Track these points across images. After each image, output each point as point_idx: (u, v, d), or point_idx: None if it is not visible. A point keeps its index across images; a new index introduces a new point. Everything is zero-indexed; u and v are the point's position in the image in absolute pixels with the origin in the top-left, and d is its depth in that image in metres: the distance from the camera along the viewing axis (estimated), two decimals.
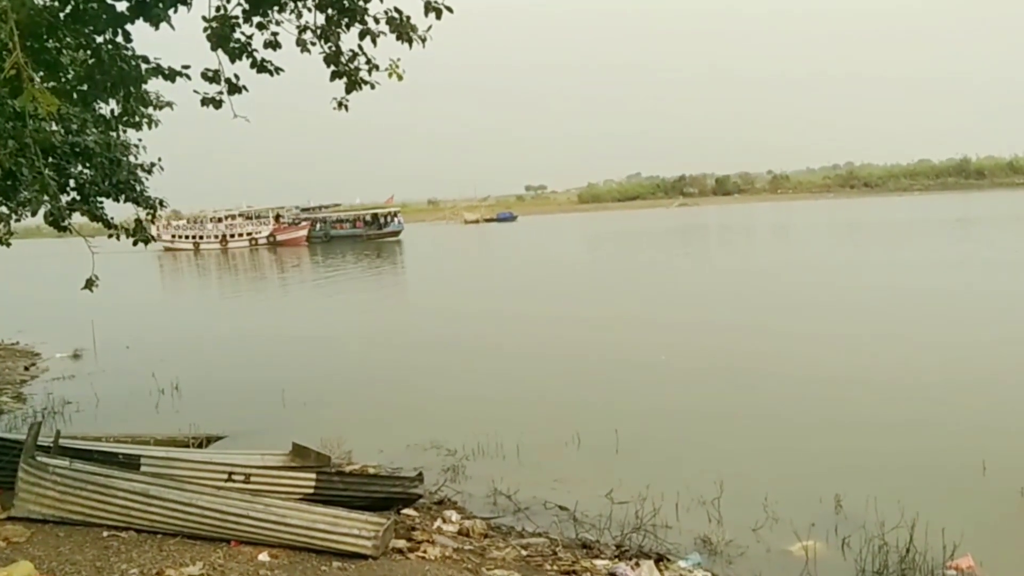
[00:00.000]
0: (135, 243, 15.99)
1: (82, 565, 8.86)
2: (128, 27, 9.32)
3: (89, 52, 9.69)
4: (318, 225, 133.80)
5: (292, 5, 10.27)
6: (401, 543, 10.79)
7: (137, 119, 14.96)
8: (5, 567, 8.31)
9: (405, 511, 12.46)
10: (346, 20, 10.27)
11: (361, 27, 10.22)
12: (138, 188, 17.37)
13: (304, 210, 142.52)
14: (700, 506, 13.13)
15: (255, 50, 10.29)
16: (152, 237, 16.80)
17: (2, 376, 26.45)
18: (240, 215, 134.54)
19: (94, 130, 15.87)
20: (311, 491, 11.81)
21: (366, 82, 10.76)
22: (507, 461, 15.91)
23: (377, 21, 10.17)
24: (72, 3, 8.93)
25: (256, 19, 10.10)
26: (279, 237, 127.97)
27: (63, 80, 10.39)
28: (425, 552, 10.59)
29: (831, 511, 12.75)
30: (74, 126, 15.65)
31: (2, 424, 19.27)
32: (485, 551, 11.35)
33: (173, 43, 10.59)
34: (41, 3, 9.05)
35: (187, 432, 17.20)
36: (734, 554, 11.76)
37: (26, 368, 28.21)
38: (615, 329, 31.04)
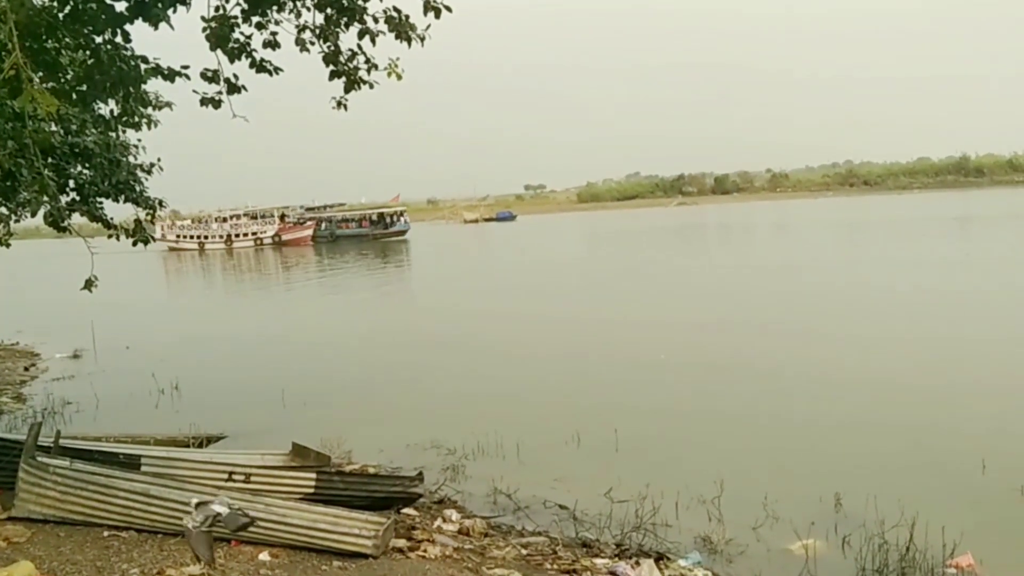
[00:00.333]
0: (135, 243, 15.98)
1: (83, 565, 8.86)
2: (127, 27, 9.33)
3: (88, 52, 9.71)
4: (323, 225, 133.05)
5: (291, 5, 10.27)
6: (401, 542, 10.80)
7: (136, 119, 14.98)
8: (6, 567, 8.32)
9: (405, 510, 12.46)
10: (345, 19, 10.26)
11: (360, 26, 10.23)
12: (138, 188, 17.35)
13: (309, 209, 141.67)
14: (700, 505, 13.12)
15: (254, 50, 10.29)
16: (151, 237, 16.78)
17: (2, 376, 26.44)
18: (245, 215, 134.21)
19: (93, 130, 15.87)
20: (311, 491, 11.81)
21: (365, 81, 10.76)
22: (507, 460, 15.91)
23: (376, 20, 10.17)
24: (71, 3, 8.94)
25: (255, 19, 10.11)
26: (284, 237, 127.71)
27: (62, 80, 10.40)
28: (425, 551, 10.60)
29: (831, 510, 12.75)
30: (73, 126, 15.64)
31: (2, 424, 19.27)
32: (485, 550, 11.36)
33: (172, 43, 10.61)
34: (40, 3, 9.06)
35: (187, 432, 17.19)
36: (734, 553, 11.76)
37: (26, 368, 28.20)
38: (614, 328, 31.06)
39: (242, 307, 50.69)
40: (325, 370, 26.26)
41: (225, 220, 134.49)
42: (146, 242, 16.17)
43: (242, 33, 10.09)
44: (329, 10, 10.22)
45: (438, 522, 12.26)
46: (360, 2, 10.16)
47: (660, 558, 11.32)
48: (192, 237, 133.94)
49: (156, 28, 9.18)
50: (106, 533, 9.82)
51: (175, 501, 9.95)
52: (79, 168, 16.79)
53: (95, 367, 27.75)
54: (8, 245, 19.51)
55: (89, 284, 13.57)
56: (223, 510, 8.92)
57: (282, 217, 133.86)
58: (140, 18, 9.01)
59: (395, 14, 10.12)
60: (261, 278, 74.60)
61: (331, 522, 10.11)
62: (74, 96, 10.68)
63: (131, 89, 10.69)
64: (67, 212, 16.66)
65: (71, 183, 16.90)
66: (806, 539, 11.70)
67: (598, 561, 11.15)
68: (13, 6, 6.89)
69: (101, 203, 17.30)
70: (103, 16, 8.97)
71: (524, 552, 11.45)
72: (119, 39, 9.56)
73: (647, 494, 12.96)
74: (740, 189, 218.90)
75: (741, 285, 42.32)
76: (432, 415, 19.37)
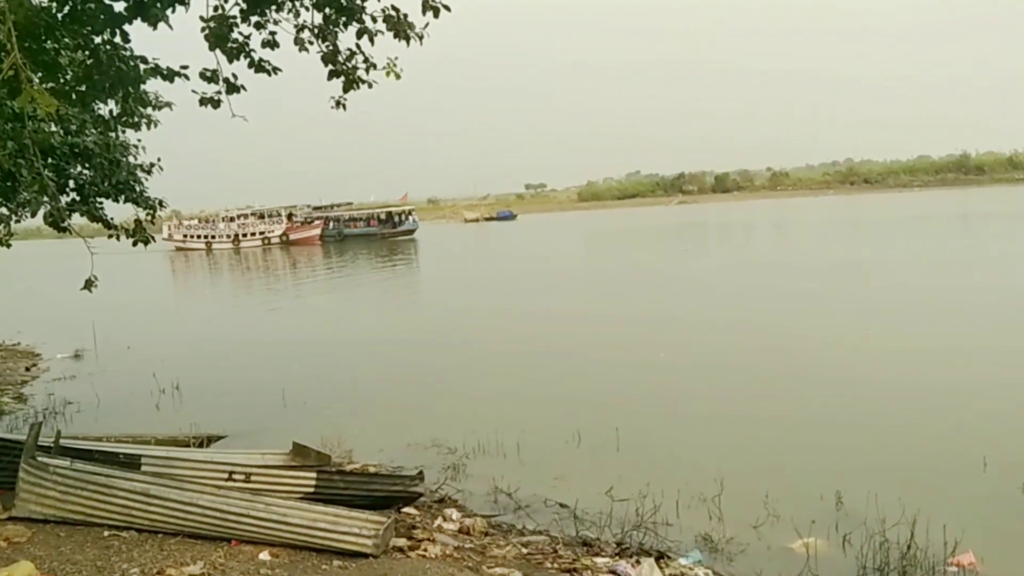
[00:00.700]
0: (135, 243, 15.98)
1: (83, 565, 8.86)
2: (126, 27, 9.33)
3: (87, 52, 9.70)
4: (331, 224, 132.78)
5: (290, 4, 10.28)
6: (402, 541, 10.79)
7: (136, 119, 15.00)
8: (6, 567, 8.32)
9: (406, 510, 12.47)
10: (344, 19, 10.27)
11: (359, 26, 10.23)
12: (138, 188, 17.37)
13: (316, 209, 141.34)
14: (701, 503, 13.11)
15: (253, 50, 10.30)
16: (151, 238, 16.78)
17: (3, 377, 26.45)
18: (252, 214, 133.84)
19: (93, 131, 15.88)
20: (311, 490, 11.80)
21: (364, 81, 10.77)
22: (508, 459, 15.90)
23: (375, 20, 10.17)
24: (70, 3, 8.95)
25: (254, 18, 10.12)
26: (292, 236, 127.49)
27: (62, 81, 10.41)
28: (426, 550, 10.60)
29: (832, 508, 12.73)
30: (73, 127, 15.66)
31: (3, 424, 19.28)
32: (486, 549, 11.36)
33: (171, 43, 10.62)
34: (39, 3, 9.06)
35: (188, 432, 17.18)
36: (735, 551, 11.75)
37: (27, 369, 28.21)
38: (615, 326, 31.05)
39: (246, 307, 50.62)
40: (326, 369, 26.26)
41: (232, 220, 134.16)
42: (146, 242, 16.15)
43: (241, 33, 10.10)
44: (328, 9, 10.22)
45: (439, 521, 12.25)
46: (359, 1, 10.17)
47: (661, 557, 11.31)
48: (199, 237, 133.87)
49: (155, 28, 9.19)
50: (106, 533, 9.82)
51: (175, 501, 9.96)
52: (79, 168, 16.82)
53: (96, 367, 27.75)
54: (9, 245, 19.52)
55: (89, 284, 13.57)
56: None
57: (289, 216, 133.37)
58: (139, 18, 9.03)
59: (393, 13, 10.13)
60: (267, 278, 74.38)
61: (331, 521, 10.11)
62: (73, 96, 10.68)
63: (130, 89, 10.71)
64: (67, 212, 16.67)
65: (71, 183, 16.93)
66: (807, 537, 11.69)
67: (599, 560, 11.15)
68: (12, 6, 6.90)
69: (101, 203, 17.32)
70: (102, 16, 8.98)
71: (525, 551, 11.45)
72: (118, 39, 9.56)
73: (648, 493, 12.98)
74: (740, 188, 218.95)
75: (740, 283, 42.28)
76: (433, 414, 19.38)
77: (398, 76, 10.56)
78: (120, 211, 17.68)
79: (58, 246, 31.70)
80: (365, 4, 10.19)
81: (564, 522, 12.86)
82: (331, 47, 10.55)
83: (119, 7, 8.93)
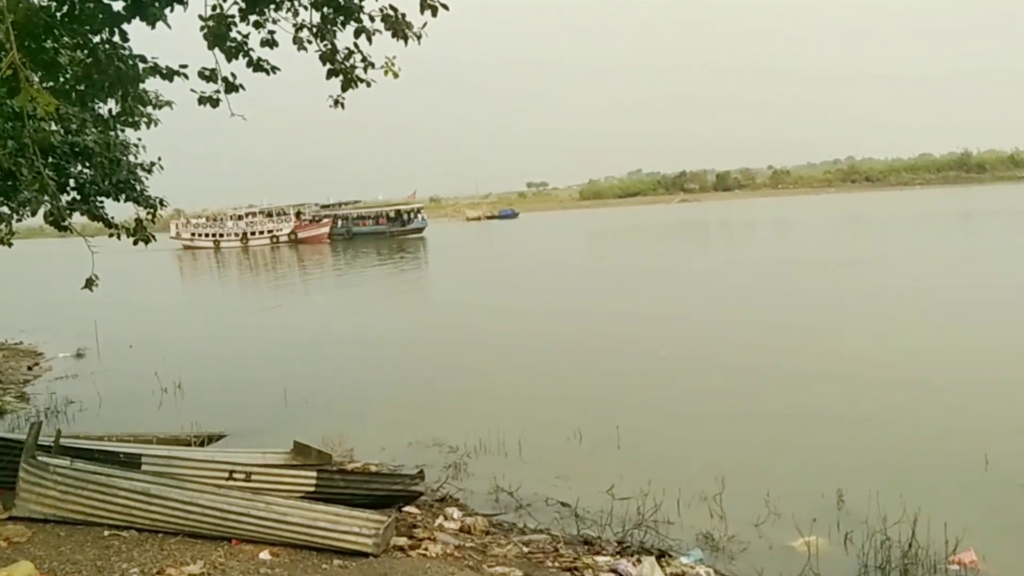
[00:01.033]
0: (135, 242, 15.98)
1: (83, 565, 8.87)
2: (125, 26, 9.33)
3: (86, 52, 9.70)
4: (340, 222, 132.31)
5: (288, 3, 10.29)
6: (402, 541, 10.79)
7: (136, 118, 15.01)
8: (6, 567, 8.32)
9: (406, 509, 12.47)
10: (342, 18, 10.28)
11: (357, 25, 10.23)
12: (138, 187, 17.39)
13: (324, 207, 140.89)
14: (702, 502, 13.10)
15: (251, 49, 10.30)
16: (152, 237, 16.79)
17: (5, 376, 26.47)
18: (260, 212, 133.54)
19: (93, 130, 15.89)
20: (312, 489, 11.80)
21: (362, 80, 10.78)
22: (509, 458, 15.90)
23: (372, 19, 10.18)
24: (69, 2, 8.94)
25: (252, 18, 10.12)
26: (301, 234, 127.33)
27: (61, 80, 10.41)
28: (426, 550, 10.60)
29: (833, 506, 12.72)
30: (73, 126, 15.68)
31: (5, 424, 19.29)
32: (487, 548, 11.36)
33: (170, 42, 10.61)
34: (38, 2, 9.06)
35: (189, 431, 17.19)
36: (736, 550, 11.74)
37: (29, 368, 28.22)
38: (615, 324, 31.07)
39: (251, 305, 50.61)
40: (329, 368, 26.29)
41: (240, 218, 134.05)
42: (147, 241, 16.17)
43: (239, 32, 10.10)
44: (326, 9, 10.23)
45: (439, 520, 12.26)
46: (357, 1, 10.16)
47: (662, 555, 11.31)
48: (207, 235, 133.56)
49: (153, 27, 9.19)
50: (106, 532, 9.82)
51: (176, 500, 9.97)
52: (79, 167, 16.85)
53: (98, 366, 27.76)
54: (10, 244, 19.53)
55: (90, 283, 13.57)
56: None
57: (298, 215, 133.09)
58: (137, 17, 9.03)
59: (392, 12, 10.13)
60: (275, 276, 74.29)
61: (332, 520, 10.11)
62: (73, 95, 10.70)
63: (129, 88, 10.72)
64: (68, 211, 16.69)
65: (71, 182, 16.96)
66: (808, 536, 11.68)
67: (600, 559, 11.15)
68: (11, 5, 6.90)
69: (102, 202, 17.34)
70: (100, 15, 8.98)
71: (526, 550, 11.45)
72: (117, 38, 9.56)
73: (649, 491, 12.98)
74: (742, 186, 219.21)
75: (741, 281, 42.29)
76: (434, 413, 19.36)
77: (396, 75, 10.58)
78: (122, 210, 17.72)
79: (62, 245, 31.69)
80: (363, 3, 10.19)
81: (565, 521, 12.86)
82: (329, 46, 10.56)
83: (118, 6, 8.94)
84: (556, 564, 10.92)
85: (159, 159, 18.03)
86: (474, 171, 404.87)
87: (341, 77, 10.77)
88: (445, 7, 9.92)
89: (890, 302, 32.13)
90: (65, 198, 16.91)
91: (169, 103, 16.34)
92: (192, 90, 10.56)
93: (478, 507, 13.54)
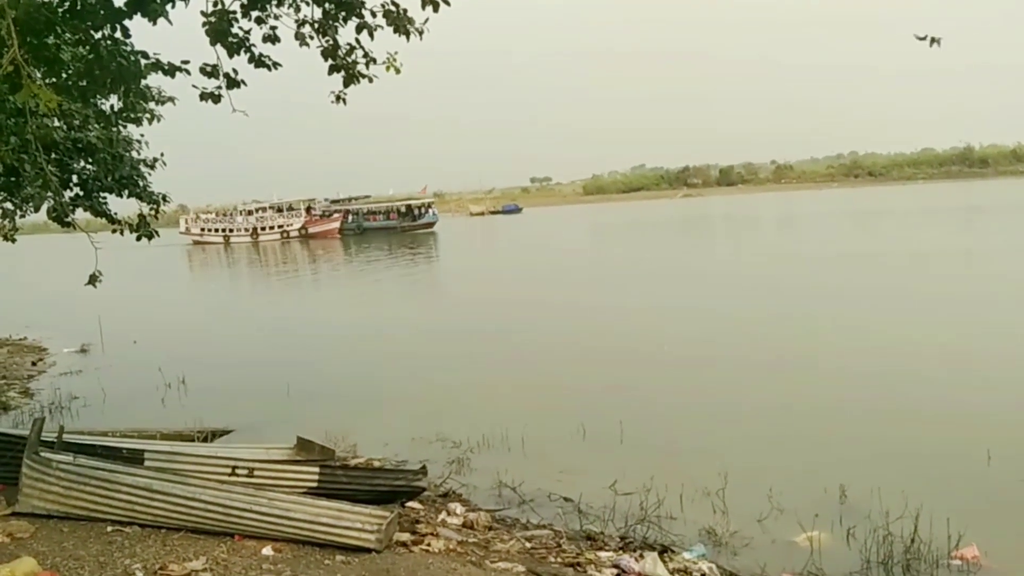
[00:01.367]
0: (138, 238, 16.01)
1: (86, 560, 8.87)
2: (127, 22, 9.33)
3: (88, 48, 9.69)
4: (350, 217, 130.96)
5: None
6: (405, 536, 10.79)
7: (138, 114, 15.01)
8: (9, 563, 8.33)
9: (409, 504, 12.46)
10: (344, 14, 10.28)
11: (358, 21, 10.24)
12: (141, 183, 17.42)
13: (334, 202, 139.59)
14: (705, 497, 13.09)
15: (253, 45, 10.30)
16: (155, 232, 16.82)
17: (10, 371, 26.48)
18: (271, 207, 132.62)
19: (96, 126, 15.91)
20: (315, 485, 11.80)
21: (364, 75, 10.78)
22: (512, 453, 15.90)
23: (374, 15, 10.19)
24: None
25: (254, 13, 10.12)
26: (311, 229, 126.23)
27: (63, 76, 10.42)
28: (429, 545, 10.60)
29: (836, 502, 12.72)
30: (76, 122, 15.70)
31: (10, 419, 19.29)
32: (489, 543, 11.36)
33: (172, 38, 10.62)
34: None
35: (192, 426, 17.18)
36: (739, 545, 11.75)
37: (33, 363, 28.22)
38: (618, 319, 31.09)
39: (258, 301, 50.71)
40: (332, 364, 26.28)
41: (251, 213, 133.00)
42: (149, 237, 16.21)
43: (241, 28, 10.10)
44: (328, 4, 10.24)
45: (442, 515, 12.25)
46: None
47: (664, 551, 11.32)
48: (217, 230, 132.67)
49: (155, 23, 9.18)
50: (109, 528, 9.82)
51: (178, 496, 9.97)
52: (82, 163, 16.88)
53: (102, 362, 27.78)
54: (14, 240, 19.56)
55: (93, 279, 13.57)
56: None
57: (308, 210, 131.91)
58: (139, 13, 9.01)
59: (393, 8, 10.14)
60: (284, 272, 73.98)
61: (334, 516, 10.10)
62: (75, 92, 10.71)
63: (131, 84, 10.71)
64: (71, 207, 16.72)
65: (74, 178, 16.98)
66: (811, 531, 11.69)
67: (602, 554, 11.16)
68: (12, 2, 6.91)
69: (104, 198, 17.37)
70: (102, 11, 8.96)
71: (528, 545, 11.45)
72: (119, 34, 9.56)
73: (651, 487, 12.96)
74: (745, 181, 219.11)
75: (744, 275, 42.34)
76: (437, 408, 19.35)
77: (398, 71, 10.60)
78: (125, 206, 17.76)
79: (66, 241, 31.75)
80: None
81: (568, 516, 12.86)
82: (331, 42, 10.57)
83: (119, 2, 8.92)
84: (559, 559, 10.92)
85: (162, 155, 18.07)
86: (478, 166, 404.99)
87: (343, 73, 10.78)
88: (447, 2, 9.93)
89: (894, 296, 32.12)
90: (68, 194, 16.94)
91: (171, 99, 16.36)
92: (194, 86, 10.57)
93: (481, 502, 13.55)
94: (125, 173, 16.97)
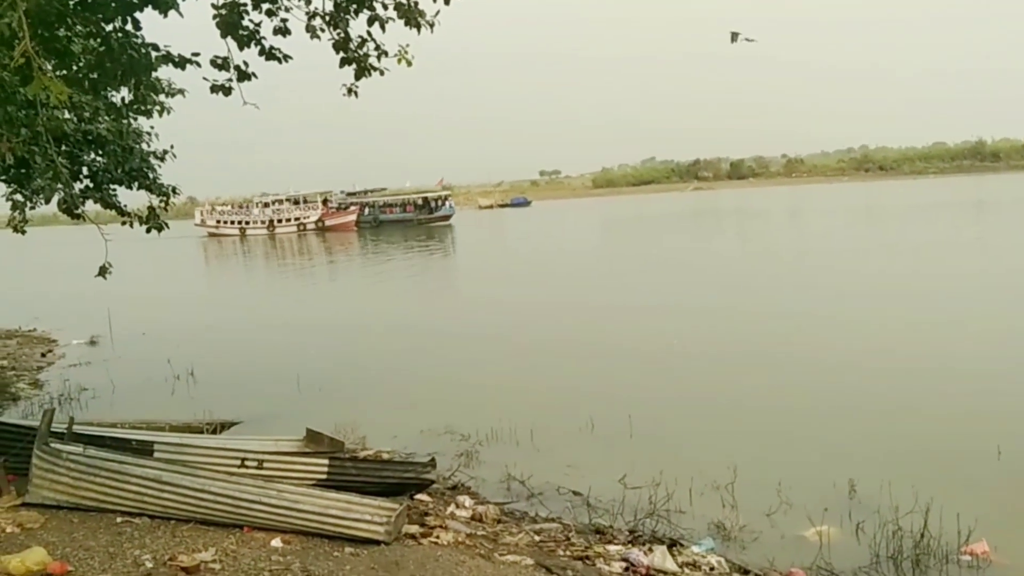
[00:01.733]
0: (148, 230, 16.03)
1: (95, 551, 8.88)
2: (137, 14, 9.34)
3: (99, 40, 9.69)
4: (367, 210, 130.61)
5: None
6: (414, 528, 10.80)
7: (148, 106, 15.02)
8: (19, 553, 8.35)
9: (418, 496, 12.48)
10: (355, 6, 10.28)
11: (370, 13, 10.23)
12: (151, 175, 17.44)
13: (350, 195, 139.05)
14: (714, 491, 13.10)
15: (263, 37, 10.30)
16: (165, 224, 16.84)
17: (19, 362, 26.57)
18: (287, 200, 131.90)
19: (106, 118, 15.93)
20: (324, 477, 11.82)
21: (375, 68, 10.78)
22: (521, 447, 15.91)
23: (385, 7, 10.18)
24: None
25: (265, 5, 10.12)
26: (328, 222, 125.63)
27: (74, 68, 10.42)
28: (438, 537, 10.61)
29: (845, 496, 12.71)
30: (86, 114, 15.73)
31: (19, 410, 19.36)
32: (498, 536, 11.36)
33: (182, 30, 10.63)
34: None
35: (202, 418, 17.21)
36: (748, 539, 11.75)
37: (43, 355, 28.31)
38: (628, 314, 31.07)
39: (271, 293, 50.70)
40: (342, 357, 26.29)
41: (267, 205, 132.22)
42: (159, 229, 16.23)
43: (252, 20, 10.11)
44: None
45: (451, 508, 12.27)
46: None
47: (673, 544, 11.32)
48: (233, 222, 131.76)
49: (165, 15, 9.19)
50: (119, 519, 9.83)
51: (188, 487, 9.99)
52: (92, 155, 16.91)
53: (111, 353, 27.84)
54: (24, 232, 19.58)
55: (103, 271, 13.60)
56: None
57: (324, 202, 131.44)
58: (150, 5, 9.03)
59: (404, 1, 10.12)
60: (300, 264, 73.84)
61: (343, 508, 10.12)
62: (86, 84, 10.70)
63: (142, 76, 10.71)
64: (81, 199, 16.74)
65: (84, 170, 17.02)
66: (820, 525, 11.68)
67: (611, 547, 11.16)
68: None
69: (114, 190, 17.40)
70: (113, 3, 8.99)
71: (537, 538, 11.46)
72: (129, 26, 9.56)
73: (660, 480, 12.96)
74: (756, 174, 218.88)
75: (753, 270, 42.32)
76: (446, 401, 19.35)
77: (409, 63, 10.59)
78: (135, 198, 17.78)
79: (75, 233, 31.81)
80: None
81: (577, 510, 12.88)
82: (342, 34, 10.56)
83: None
84: (568, 553, 10.92)
85: (171, 147, 18.09)
86: (487, 160, 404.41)
87: (354, 65, 10.77)
88: None
89: (904, 289, 32.14)
90: (78, 186, 16.98)
91: (182, 91, 16.38)
92: (204, 78, 10.58)
93: (490, 495, 13.56)
94: (135, 165, 17.00)
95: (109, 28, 9.48)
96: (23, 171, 15.53)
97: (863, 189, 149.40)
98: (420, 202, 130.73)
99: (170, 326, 33.65)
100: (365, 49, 10.64)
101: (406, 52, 10.54)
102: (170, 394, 21.18)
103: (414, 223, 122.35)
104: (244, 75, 10.44)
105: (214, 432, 16.48)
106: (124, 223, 17.16)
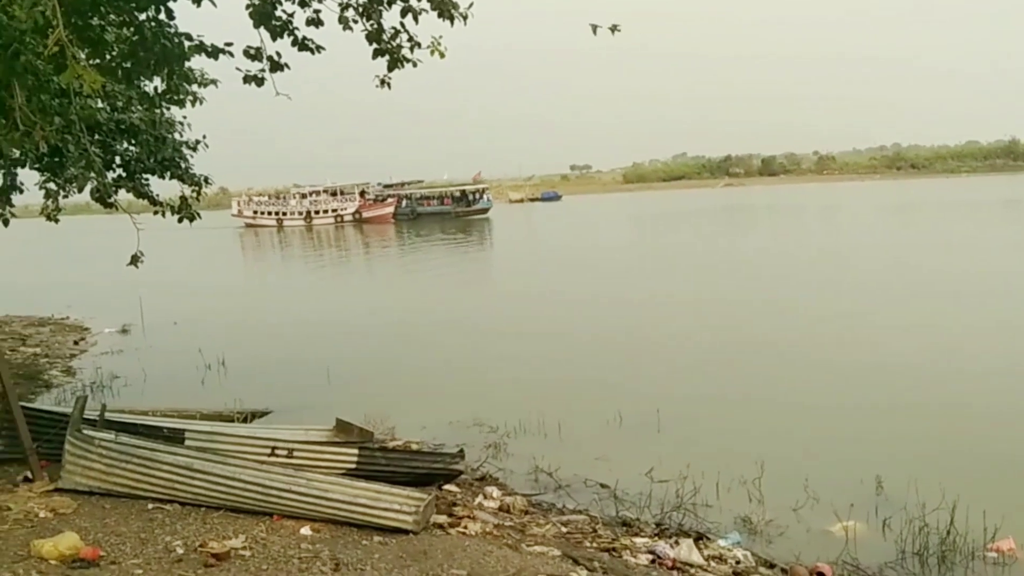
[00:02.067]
0: (180, 220, 16.12)
1: (127, 536, 8.96)
2: (171, 4, 9.39)
3: (132, 29, 9.74)
4: (404, 202, 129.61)
5: None
6: (442, 518, 10.84)
7: (181, 96, 15.06)
8: (52, 537, 8.44)
9: (447, 487, 12.51)
10: None
11: (403, 4, 10.25)
12: (183, 165, 17.51)
13: (387, 186, 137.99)
14: (741, 486, 13.08)
15: (296, 28, 10.34)
16: (197, 214, 16.92)
17: (52, 350, 26.75)
18: (325, 191, 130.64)
19: (139, 107, 16.01)
20: (353, 466, 11.87)
21: (408, 60, 10.80)
22: (548, 439, 15.94)
23: None
24: None
25: None
26: (365, 214, 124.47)
27: (107, 57, 10.47)
28: (466, 527, 10.64)
29: (872, 492, 12.68)
30: (119, 103, 15.81)
31: (52, 397, 19.48)
32: (525, 527, 11.39)
33: (215, 20, 10.68)
34: None
35: (232, 407, 17.29)
36: (774, 533, 11.75)
37: (76, 342, 28.50)
38: (659, 309, 31.03)
39: (305, 285, 50.62)
40: (374, 347, 26.39)
41: (305, 196, 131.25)
42: (191, 219, 16.31)
43: (285, 11, 10.14)
44: None
45: (479, 499, 12.29)
46: None
47: (700, 538, 11.32)
48: (270, 213, 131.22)
49: (199, 5, 9.25)
50: (150, 505, 9.92)
51: (218, 475, 10.06)
52: (125, 144, 16.99)
53: (143, 342, 28.04)
54: (57, 220, 19.71)
55: (135, 260, 13.69)
56: None
57: (362, 194, 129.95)
58: None
59: None
60: (336, 256, 73.86)
61: (372, 497, 10.17)
62: (119, 73, 10.74)
63: (175, 66, 10.76)
64: (113, 188, 16.83)
65: (117, 159, 17.10)
66: (846, 521, 11.67)
67: (638, 540, 11.17)
68: None
69: (147, 179, 17.48)
70: None
71: (564, 530, 11.49)
72: (163, 16, 9.60)
73: (688, 474, 12.98)
74: (787, 171, 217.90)
75: (787, 267, 42.19)
76: (475, 393, 19.39)
77: (442, 55, 10.58)
78: (167, 188, 17.90)
79: (107, 222, 31.97)
80: None
81: (604, 502, 12.89)
82: (375, 26, 10.58)
83: None
84: (594, 544, 10.94)
85: (204, 137, 18.15)
86: (517, 154, 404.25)
87: (387, 57, 10.80)
88: None
89: (937, 289, 31.92)
90: (111, 175, 17.07)
91: (214, 81, 16.42)
92: (237, 68, 10.63)
93: (517, 487, 13.59)
94: (167, 155, 17.06)
95: (142, 17, 9.52)
96: (56, 160, 15.62)
97: (896, 187, 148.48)
98: (458, 195, 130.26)
99: (202, 316, 33.78)
100: (398, 40, 10.67)
101: (439, 44, 10.56)
102: (200, 383, 21.30)
103: (451, 216, 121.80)
104: (277, 66, 10.49)
105: (244, 421, 16.58)
106: (156, 212, 17.26)
